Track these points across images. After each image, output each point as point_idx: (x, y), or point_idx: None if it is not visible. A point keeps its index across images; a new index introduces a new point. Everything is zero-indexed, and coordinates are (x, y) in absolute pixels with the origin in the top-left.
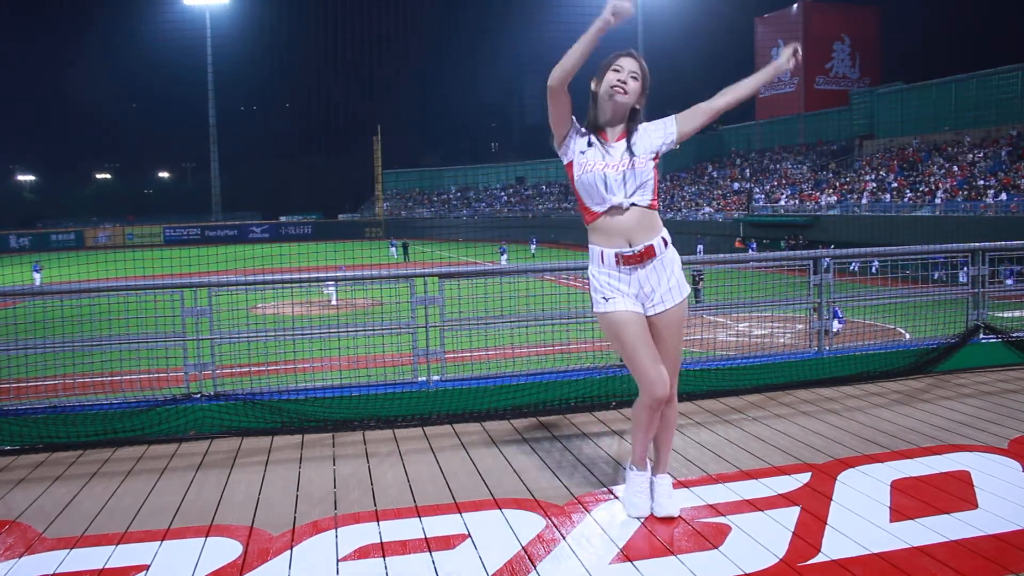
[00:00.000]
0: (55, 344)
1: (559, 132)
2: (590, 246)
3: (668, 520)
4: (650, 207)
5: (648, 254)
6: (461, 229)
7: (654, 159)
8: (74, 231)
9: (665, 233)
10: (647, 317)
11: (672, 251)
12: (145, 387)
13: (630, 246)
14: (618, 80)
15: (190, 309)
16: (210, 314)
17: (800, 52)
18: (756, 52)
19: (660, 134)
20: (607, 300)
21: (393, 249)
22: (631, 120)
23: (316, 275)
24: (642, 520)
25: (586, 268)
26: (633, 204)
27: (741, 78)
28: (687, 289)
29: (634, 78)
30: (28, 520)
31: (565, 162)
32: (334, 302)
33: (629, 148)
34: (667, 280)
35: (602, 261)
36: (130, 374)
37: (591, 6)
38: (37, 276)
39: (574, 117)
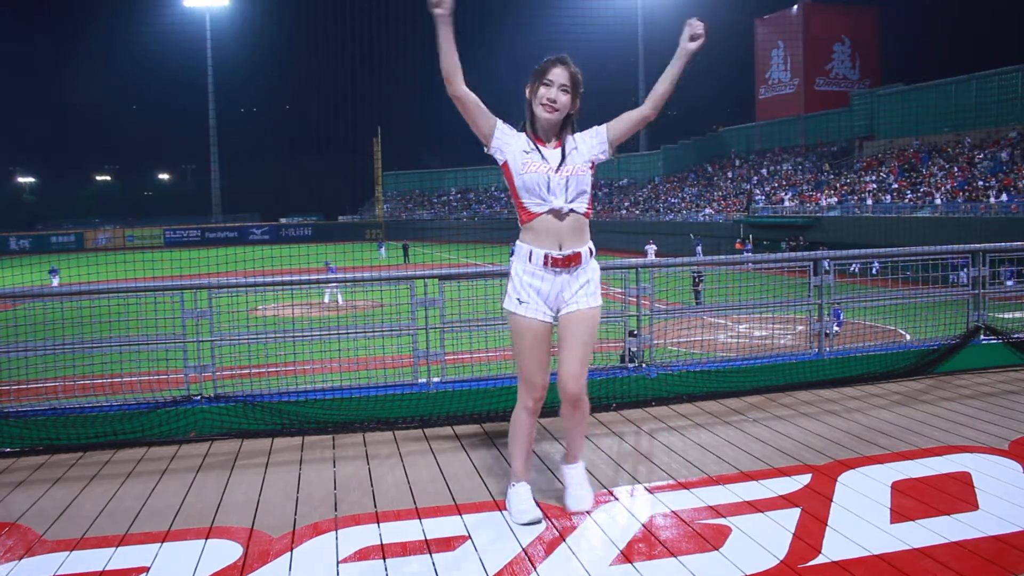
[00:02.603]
0: (56, 346)
1: (483, 131)
2: (519, 244)
3: (667, 521)
4: (585, 215)
5: (575, 260)
6: (463, 231)
7: (591, 167)
8: (74, 233)
9: (591, 244)
10: (560, 318)
11: (595, 263)
12: (145, 389)
13: (560, 249)
14: (547, 99)
15: (190, 311)
16: (210, 316)
17: (698, 23)
18: (756, 53)
19: (594, 143)
20: (521, 303)
21: (383, 250)
22: (565, 128)
23: (309, 277)
24: (538, 522)
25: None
26: (572, 210)
27: (741, 78)
28: (599, 301)
29: (564, 91)
30: (28, 522)
31: (500, 160)
32: (341, 302)
33: (568, 155)
34: (585, 286)
35: (529, 260)
36: (130, 376)
37: (590, 6)
38: (55, 279)
39: (500, 120)
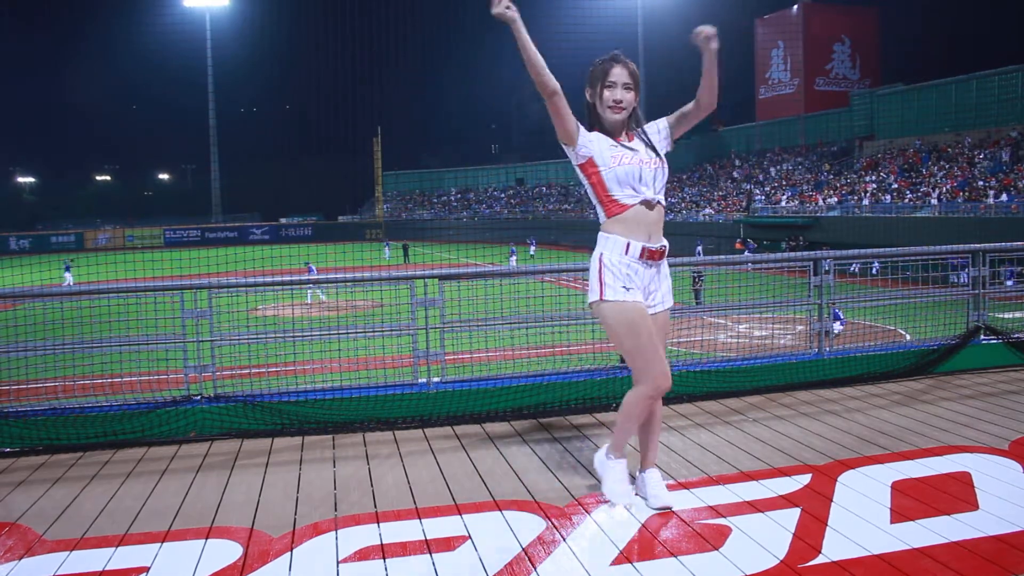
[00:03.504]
0: (55, 346)
1: (569, 130)
2: (611, 236)
3: (667, 521)
4: (665, 207)
5: (664, 253)
6: (463, 231)
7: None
8: (74, 233)
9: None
10: (652, 312)
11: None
12: (145, 389)
13: (650, 241)
14: (613, 100)
15: (190, 311)
16: (210, 316)
17: (702, 31)
18: (756, 53)
19: (662, 137)
20: (628, 290)
21: (387, 251)
22: (633, 121)
23: (309, 277)
24: (631, 511)
25: (586, 269)
26: (659, 201)
27: (741, 78)
28: (673, 298)
29: (627, 88)
30: (28, 522)
31: (586, 157)
32: (323, 298)
33: (650, 147)
34: (667, 283)
35: (626, 252)
36: (130, 376)
37: (589, 7)
38: (68, 276)
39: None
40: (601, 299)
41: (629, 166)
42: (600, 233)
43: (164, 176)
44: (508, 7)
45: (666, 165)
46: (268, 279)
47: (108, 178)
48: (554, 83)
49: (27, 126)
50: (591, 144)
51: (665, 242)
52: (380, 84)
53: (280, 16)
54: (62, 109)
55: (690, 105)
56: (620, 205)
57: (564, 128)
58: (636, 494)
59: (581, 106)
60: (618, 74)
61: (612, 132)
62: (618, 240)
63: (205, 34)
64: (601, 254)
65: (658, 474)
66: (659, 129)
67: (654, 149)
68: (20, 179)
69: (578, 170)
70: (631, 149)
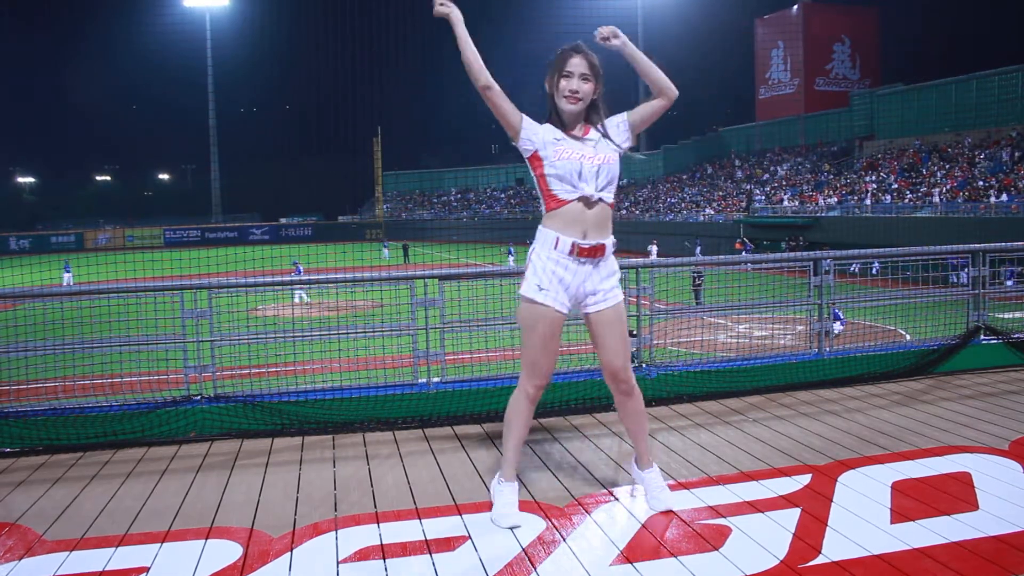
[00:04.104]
0: (55, 346)
1: (511, 123)
2: (544, 230)
3: (667, 521)
4: (610, 205)
5: (599, 251)
6: (463, 231)
7: (619, 156)
8: (74, 233)
9: (614, 238)
10: (586, 314)
11: (613, 258)
12: (145, 389)
13: (585, 238)
14: (569, 90)
15: (190, 311)
16: (210, 316)
17: (603, 30)
18: (756, 53)
19: (620, 131)
20: (541, 289)
21: (386, 251)
22: (593, 113)
23: (309, 277)
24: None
25: None
26: (600, 199)
27: (741, 78)
28: (620, 295)
29: (585, 79)
30: (28, 522)
31: (531, 150)
32: (306, 299)
33: (600, 140)
34: (608, 281)
35: (555, 247)
36: (130, 376)
37: (588, 7)
38: (67, 276)
39: (525, 115)
40: (519, 291)
41: (568, 161)
42: (538, 227)
43: (164, 176)
44: (442, 3)
45: (615, 162)
46: (268, 279)
47: (108, 178)
48: (486, 78)
49: (27, 126)
50: (535, 137)
51: (605, 240)
52: (380, 84)
53: (280, 16)
54: (62, 109)
55: (653, 100)
56: (558, 200)
57: (504, 121)
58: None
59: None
60: (576, 64)
61: (569, 124)
62: (549, 235)
63: (205, 34)
64: (533, 248)
65: (656, 474)
66: (618, 124)
67: (610, 144)
68: (20, 179)
69: (527, 164)
70: (578, 143)
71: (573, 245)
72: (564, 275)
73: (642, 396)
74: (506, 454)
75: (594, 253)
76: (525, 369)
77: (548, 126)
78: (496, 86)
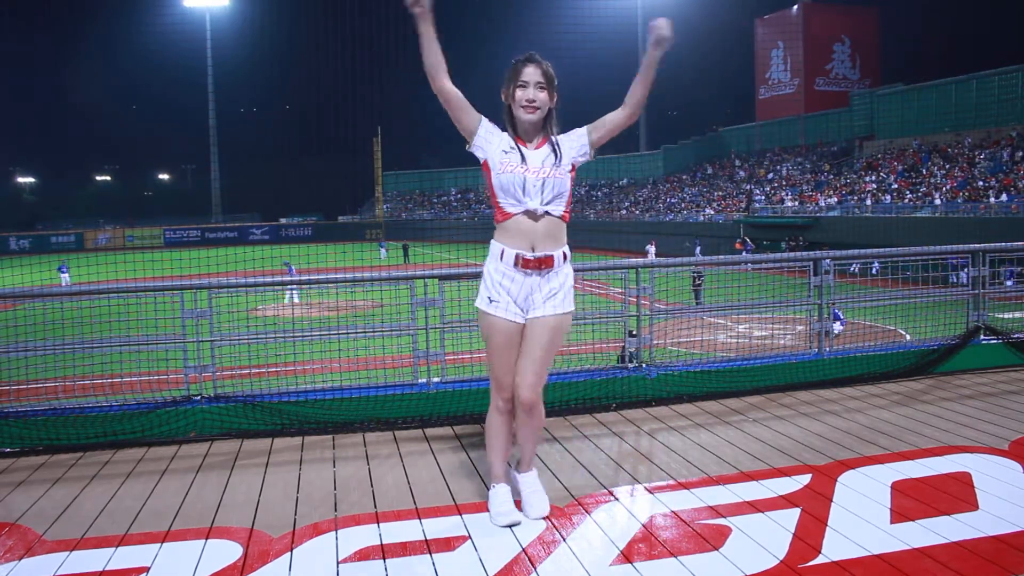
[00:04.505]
0: (56, 346)
1: (467, 127)
2: (493, 243)
3: (667, 521)
4: (562, 218)
5: (546, 263)
6: (463, 231)
7: (571, 171)
8: (74, 233)
9: (567, 248)
10: (527, 321)
11: (568, 267)
12: (145, 389)
13: (532, 251)
14: (526, 100)
15: (190, 311)
16: (210, 316)
17: (663, 23)
18: (756, 53)
19: (576, 145)
20: (491, 302)
21: (384, 251)
22: (547, 123)
23: (309, 277)
24: (517, 524)
25: (585, 270)
26: (547, 212)
27: (741, 78)
28: (570, 307)
29: (540, 88)
30: (28, 522)
31: (481, 158)
32: (296, 300)
33: (551, 154)
34: (556, 290)
35: (500, 259)
36: (130, 376)
37: (590, 6)
38: (65, 276)
39: (485, 118)
40: (475, 303)
41: (512, 174)
42: (491, 239)
43: (164, 176)
44: (415, 2)
45: (563, 176)
46: (268, 279)
47: (108, 178)
48: (440, 81)
49: (27, 126)
50: (487, 145)
51: (553, 252)
52: (380, 84)
53: (280, 16)
54: (62, 109)
55: (617, 111)
56: (503, 212)
57: (459, 125)
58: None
59: (581, 109)
60: (530, 73)
61: (526, 134)
62: (495, 247)
63: (205, 34)
64: (486, 261)
65: (533, 479)
66: (578, 136)
67: (558, 157)
68: (20, 179)
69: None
70: (523, 158)
71: (517, 257)
72: (511, 286)
73: (543, 414)
74: (491, 466)
75: (540, 265)
76: (491, 384)
77: (501, 136)
78: (450, 88)
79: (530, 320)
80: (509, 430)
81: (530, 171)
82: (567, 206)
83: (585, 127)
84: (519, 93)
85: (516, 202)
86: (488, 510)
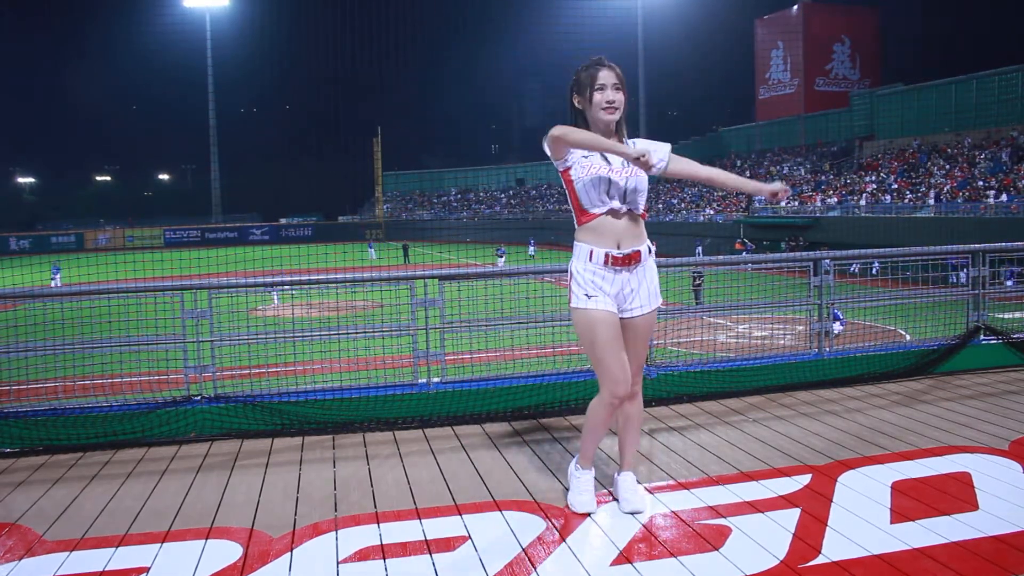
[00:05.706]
0: (56, 346)
1: (560, 155)
2: (578, 244)
3: (667, 521)
4: (641, 215)
5: (634, 259)
6: (463, 231)
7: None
8: (74, 233)
9: (650, 243)
10: (623, 319)
11: (653, 260)
12: (145, 389)
13: (619, 248)
14: (607, 102)
15: (190, 311)
16: (210, 316)
17: (786, 191)
18: (756, 53)
19: (657, 156)
20: (589, 297)
21: (372, 251)
22: (619, 124)
23: (309, 278)
24: (593, 515)
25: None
26: (629, 210)
27: (741, 78)
28: (660, 300)
29: (617, 89)
30: (28, 522)
31: (564, 167)
32: (276, 302)
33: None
34: (647, 285)
35: (590, 259)
36: (130, 376)
37: (589, 7)
38: (57, 278)
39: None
40: (570, 306)
41: (597, 176)
42: (574, 240)
43: (164, 176)
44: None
45: (642, 173)
46: (268, 279)
47: (108, 178)
48: (563, 143)
49: (27, 126)
50: (570, 154)
51: (640, 247)
52: (380, 84)
53: (280, 16)
54: (62, 109)
55: (701, 166)
56: (588, 214)
57: (556, 153)
58: (613, 498)
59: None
60: (606, 76)
61: (603, 136)
62: (583, 248)
63: (205, 34)
64: (572, 262)
65: (631, 479)
66: (660, 147)
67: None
68: (20, 179)
69: (561, 177)
70: (604, 159)
71: (607, 256)
72: (603, 284)
73: (642, 404)
74: (583, 445)
75: (629, 261)
76: (604, 381)
77: None
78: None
79: (628, 319)
80: (608, 422)
81: (613, 171)
82: (645, 203)
83: (669, 148)
84: (598, 96)
85: (601, 203)
86: (491, 508)
